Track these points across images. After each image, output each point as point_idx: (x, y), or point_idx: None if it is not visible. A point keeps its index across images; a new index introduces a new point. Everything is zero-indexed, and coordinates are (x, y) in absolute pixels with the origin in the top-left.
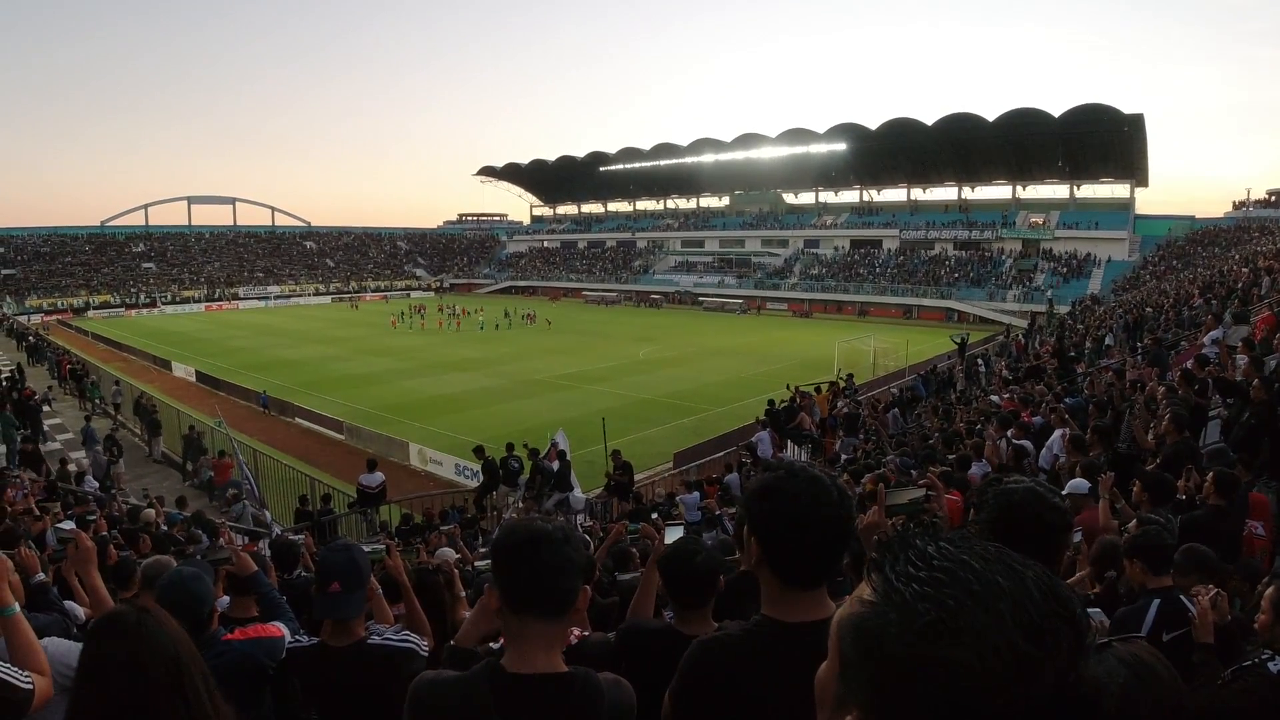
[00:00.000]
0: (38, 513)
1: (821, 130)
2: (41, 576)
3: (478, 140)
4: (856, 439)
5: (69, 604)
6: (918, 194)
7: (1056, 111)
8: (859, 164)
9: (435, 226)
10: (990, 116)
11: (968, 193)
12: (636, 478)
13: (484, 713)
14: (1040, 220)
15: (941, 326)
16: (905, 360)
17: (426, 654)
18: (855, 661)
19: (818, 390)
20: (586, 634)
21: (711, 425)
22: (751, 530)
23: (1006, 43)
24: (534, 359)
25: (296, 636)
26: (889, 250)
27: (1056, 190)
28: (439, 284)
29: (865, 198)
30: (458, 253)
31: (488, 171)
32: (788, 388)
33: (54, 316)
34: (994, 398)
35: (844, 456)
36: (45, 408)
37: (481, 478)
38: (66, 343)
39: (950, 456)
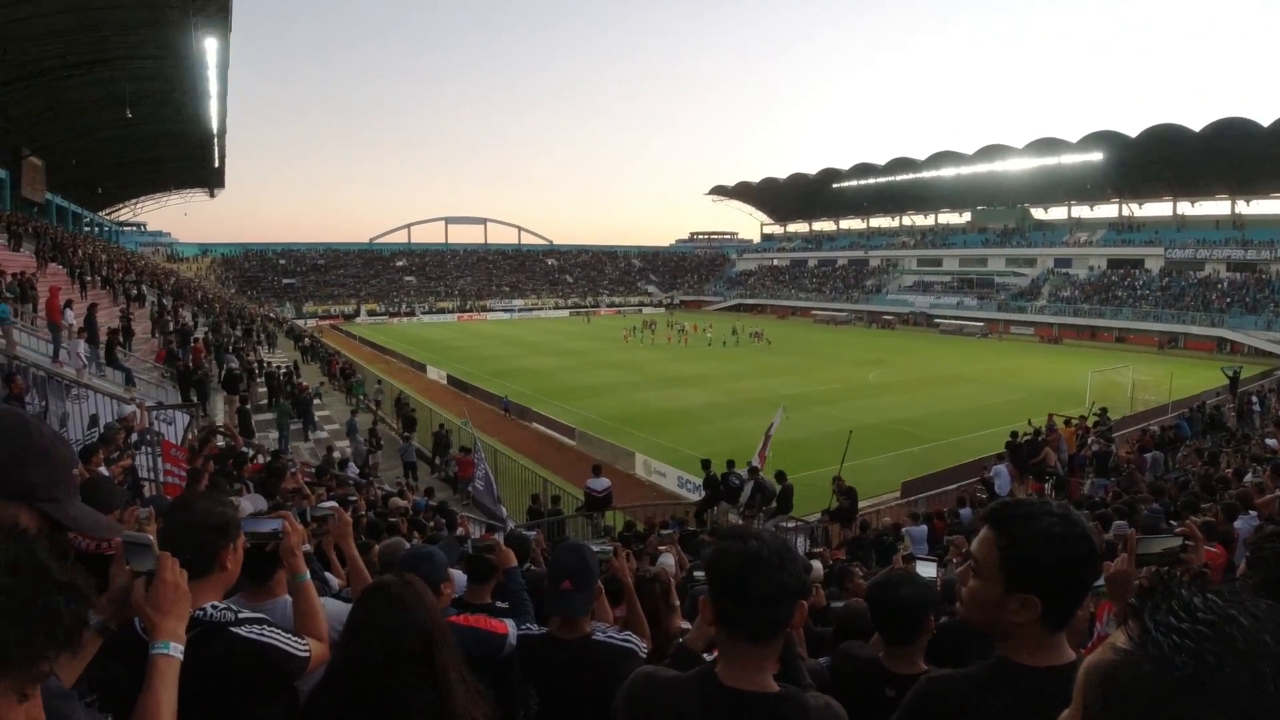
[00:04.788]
0: (306, 492)
1: (1074, 139)
2: (307, 547)
3: (710, 160)
4: (1108, 480)
5: (326, 574)
6: (1185, 208)
7: None
8: (1117, 175)
9: (667, 245)
10: (1265, 121)
11: (1242, 206)
12: (860, 505)
13: (691, 718)
14: None
15: (1211, 358)
16: (1168, 395)
17: (645, 656)
18: (1100, 711)
19: (1066, 424)
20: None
21: (942, 456)
22: (1013, 566)
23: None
24: (759, 377)
25: (527, 625)
26: (1152, 271)
27: None
28: (669, 300)
29: (1124, 212)
30: (688, 270)
31: (719, 190)
32: (1028, 422)
33: (327, 321)
34: (1270, 441)
35: (1093, 499)
36: (316, 401)
37: (704, 492)
38: (337, 345)
39: (1204, 505)
